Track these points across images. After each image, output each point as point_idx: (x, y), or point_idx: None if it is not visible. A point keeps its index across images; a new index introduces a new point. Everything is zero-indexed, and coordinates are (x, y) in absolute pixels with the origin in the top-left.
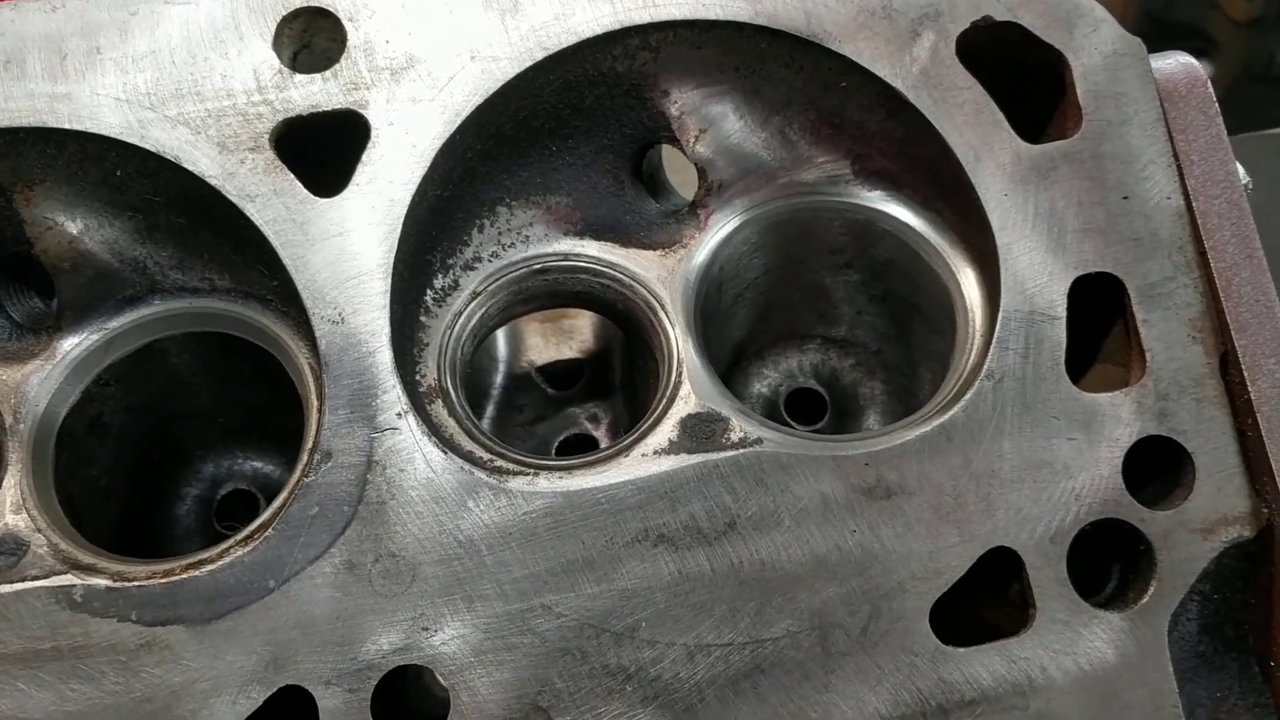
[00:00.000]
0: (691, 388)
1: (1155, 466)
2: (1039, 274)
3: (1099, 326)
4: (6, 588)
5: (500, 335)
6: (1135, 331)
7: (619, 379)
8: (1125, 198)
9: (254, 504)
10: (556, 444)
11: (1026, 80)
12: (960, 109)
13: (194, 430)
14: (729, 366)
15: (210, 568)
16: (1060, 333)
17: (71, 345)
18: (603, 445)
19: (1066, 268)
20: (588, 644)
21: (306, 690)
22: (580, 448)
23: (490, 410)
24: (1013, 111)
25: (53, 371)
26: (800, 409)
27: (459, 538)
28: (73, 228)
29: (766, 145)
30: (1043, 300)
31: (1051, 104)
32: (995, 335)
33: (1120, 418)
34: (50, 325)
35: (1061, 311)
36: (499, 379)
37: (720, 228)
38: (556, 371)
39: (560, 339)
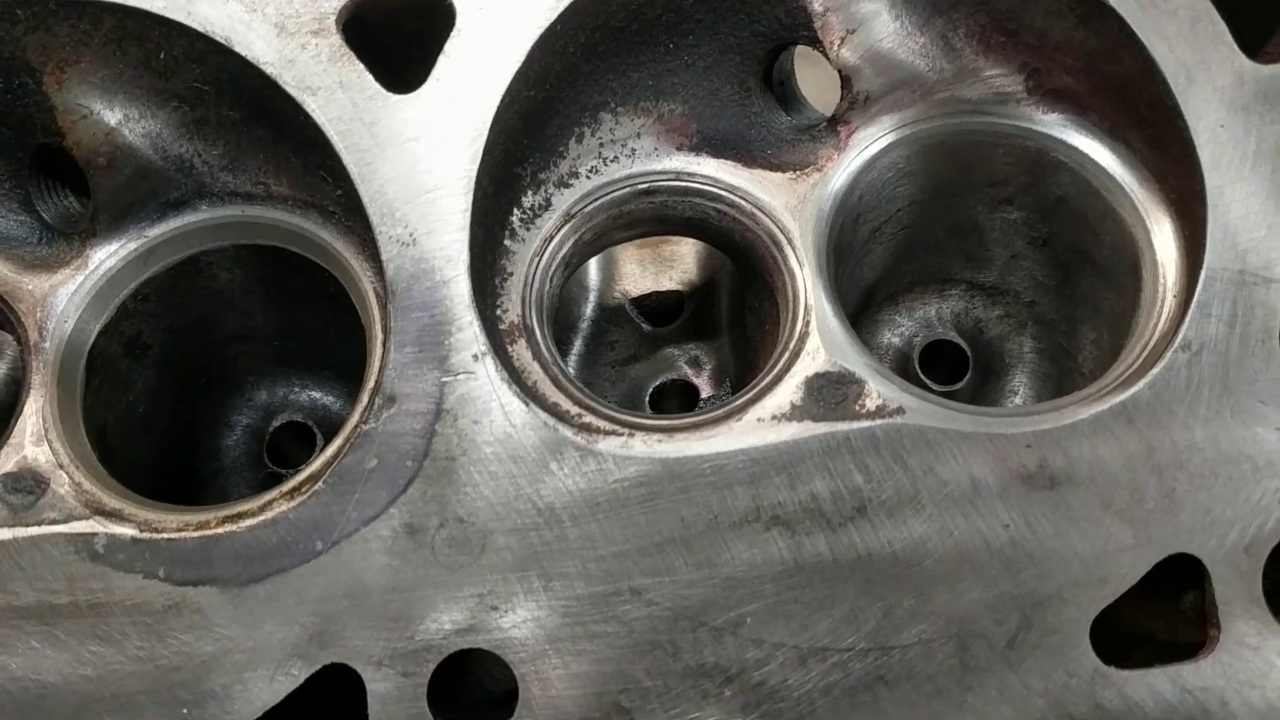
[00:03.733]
0: (821, 341)
1: None
2: (1256, 225)
3: None
4: (21, 531)
5: (592, 261)
6: None
7: (726, 318)
8: None
9: (310, 439)
10: (650, 390)
11: None
12: (1172, 16)
13: (246, 355)
14: (857, 312)
15: (250, 522)
16: (1277, 299)
17: (106, 254)
18: (704, 395)
19: None
20: (682, 638)
21: (354, 670)
22: (678, 396)
23: (577, 345)
24: (1236, 21)
25: (84, 283)
26: (936, 364)
27: (538, 505)
28: (110, 118)
29: (925, 52)
30: (1258, 258)
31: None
32: (1195, 298)
33: None
34: (84, 230)
35: None
36: (588, 310)
37: (864, 148)
38: (654, 305)
39: (659, 267)
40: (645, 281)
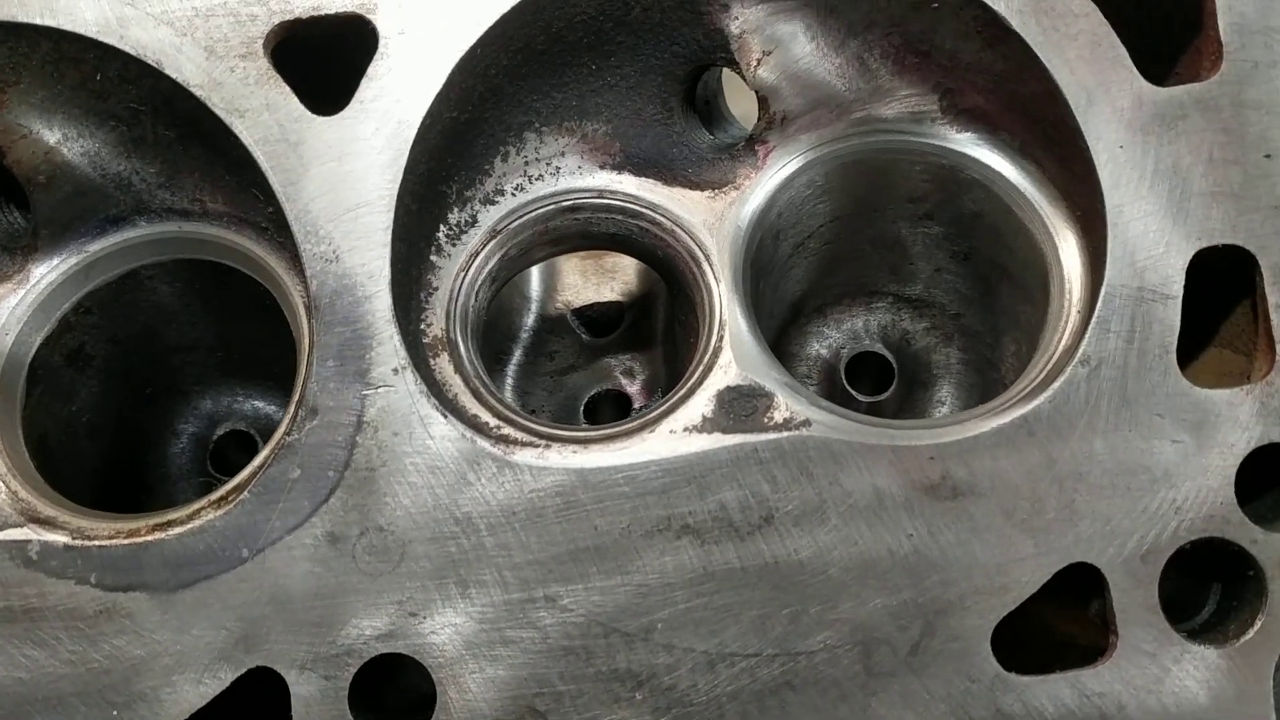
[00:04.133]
0: (733, 355)
1: (1273, 478)
2: (1154, 243)
3: (1218, 304)
4: None
5: (535, 272)
6: (1265, 318)
7: (661, 330)
8: (1268, 156)
9: (253, 447)
10: (585, 400)
11: (1155, 9)
12: (1073, 40)
13: (190, 365)
14: (785, 324)
15: (178, 530)
16: (1174, 315)
17: (48, 269)
18: (637, 405)
19: (1188, 237)
20: (595, 643)
21: (278, 674)
22: (611, 406)
23: (517, 355)
24: (1136, 46)
25: (26, 297)
26: (863, 376)
27: (456, 514)
28: (49, 137)
29: (841, 73)
30: (1155, 275)
31: (1184, 39)
32: (1096, 313)
33: (1238, 420)
34: (25, 245)
35: (1177, 290)
36: (529, 320)
37: (781, 167)
38: (595, 315)
39: (601, 279)
40: (587, 292)
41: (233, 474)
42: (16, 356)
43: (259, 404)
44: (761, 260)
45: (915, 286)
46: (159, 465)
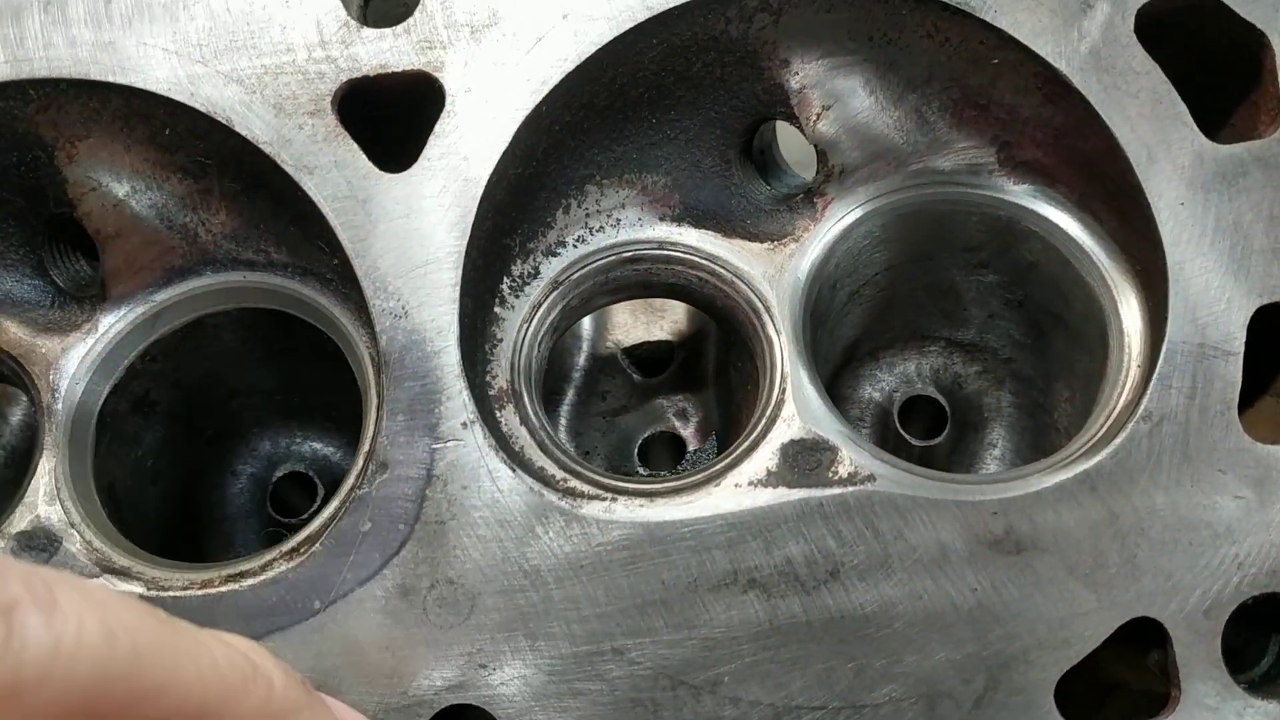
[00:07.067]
0: (796, 409)
1: None
2: (1215, 300)
3: (1274, 355)
4: None
5: None
6: None
7: (713, 371)
8: None
9: (312, 488)
10: (639, 442)
11: (1215, 66)
12: (1134, 98)
13: (250, 408)
14: (838, 368)
15: (252, 582)
16: (1235, 371)
17: (115, 319)
18: (691, 447)
19: (1249, 294)
20: (662, 696)
21: None
22: (666, 448)
23: (570, 396)
24: (1195, 103)
25: (95, 347)
26: (916, 419)
27: (525, 567)
28: (118, 190)
29: (899, 126)
30: (1217, 332)
31: (1243, 95)
32: (1157, 370)
33: None
34: (94, 294)
35: (1238, 346)
36: (581, 360)
37: (839, 219)
38: (645, 355)
39: (651, 318)
40: (637, 331)
41: (291, 514)
42: (86, 406)
43: (317, 446)
44: (819, 310)
45: (968, 332)
46: (218, 506)
